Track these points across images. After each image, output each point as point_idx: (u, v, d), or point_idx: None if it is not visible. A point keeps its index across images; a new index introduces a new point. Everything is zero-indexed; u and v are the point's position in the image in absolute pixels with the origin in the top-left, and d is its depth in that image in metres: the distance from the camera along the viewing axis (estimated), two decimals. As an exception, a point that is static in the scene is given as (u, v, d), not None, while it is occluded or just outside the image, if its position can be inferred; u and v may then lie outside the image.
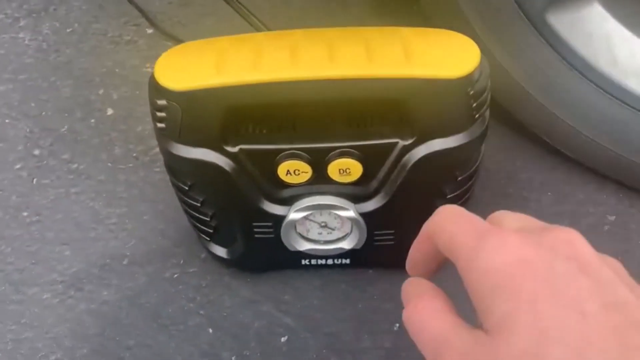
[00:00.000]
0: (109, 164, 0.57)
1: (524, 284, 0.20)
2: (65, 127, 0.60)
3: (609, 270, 0.21)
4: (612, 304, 0.20)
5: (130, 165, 0.57)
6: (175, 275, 0.49)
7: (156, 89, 0.37)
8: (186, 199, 0.43)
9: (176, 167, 0.41)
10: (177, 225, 0.52)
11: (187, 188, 0.41)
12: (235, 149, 0.38)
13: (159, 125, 0.38)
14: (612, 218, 0.51)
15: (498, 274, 0.21)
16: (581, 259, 0.21)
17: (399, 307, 0.47)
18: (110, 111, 0.62)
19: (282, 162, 0.38)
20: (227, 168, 0.39)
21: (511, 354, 0.20)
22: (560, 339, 0.19)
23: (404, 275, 0.48)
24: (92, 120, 0.61)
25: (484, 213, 0.55)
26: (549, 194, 0.53)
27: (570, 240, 0.22)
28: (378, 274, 0.48)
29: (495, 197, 0.53)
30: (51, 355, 0.44)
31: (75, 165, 0.57)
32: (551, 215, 0.51)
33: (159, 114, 0.38)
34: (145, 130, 0.60)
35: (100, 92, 0.64)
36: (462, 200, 0.43)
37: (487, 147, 0.42)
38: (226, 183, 0.40)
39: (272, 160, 0.39)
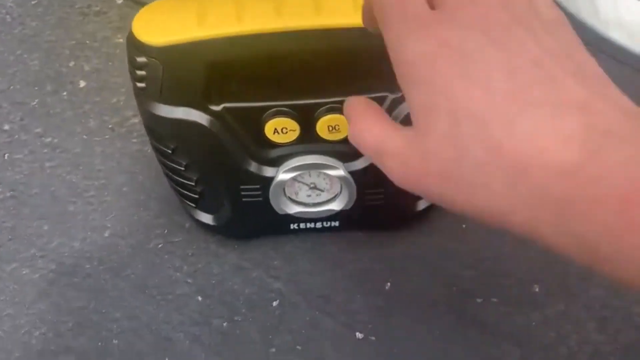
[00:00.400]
0: (84, 137, 0.55)
1: (438, 72, 0.21)
2: (36, 100, 0.58)
3: (522, 32, 0.21)
4: (520, 67, 0.20)
5: (107, 137, 0.55)
6: (160, 246, 0.47)
7: (135, 46, 0.35)
8: (169, 163, 0.41)
9: (158, 130, 0.40)
10: (158, 195, 0.51)
11: (169, 152, 0.40)
12: (219, 108, 0.37)
13: (139, 85, 0.37)
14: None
15: (416, 66, 0.22)
16: (492, 30, 0.21)
17: (391, 267, 0.47)
18: (82, 83, 0.59)
19: (269, 120, 0.37)
20: (211, 128, 0.37)
21: (433, 143, 0.21)
22: (470, 115, 0.20)
23: (394, 236, 0.48)
24: (64, 93, 0.59)
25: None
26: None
27: (485, 12, 0.22)
28: (367, 236, 0.48)
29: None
30: (34, 330, 0.43)
31: (49, 139, 0.55)
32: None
33: (138, 72, 0.36)
34: (120, 101, 0.58)
35: (71, 64, 0.61)
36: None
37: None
38: (211, 144, 0.38)
39: (258, 118, 0.37)
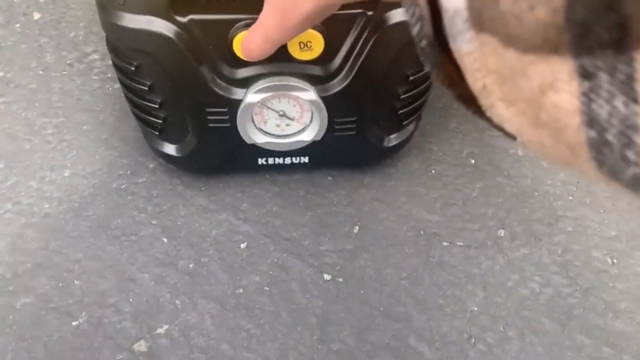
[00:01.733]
0: (41, 72, 0.52)
1: None
2: (-14, 32, 0.54)
3: None
4: None
5: (65, 72, 0.52)
6: (123, 186, 0.46)
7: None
8: (132, 83, 0.39)
9: (120, 44, 0.37)
10: (121, 135, 0.49)
11: (132, 69, 0.38)
12: (185, 19, 0.35)
13: None
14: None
15: None
16: None
17: (359, 211, 0.47)
18: (37, 15, 0.56)
19: (238, 33, 0.36)
20: (177, 40, 0.35)
21: None
22: None
23: (363, 181, 0.48)
24: (17, 25, 0.55)
25: (440, 116, 0.54)
26: (504, 98, 0.53)
27: None
28: (337, 180, 0.47)
29: (451, 101, 0.52)
30: (-9, 271, 0.41)
31: (1, 74, 0.51)
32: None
33: (102, -22, 0.34)
34: (78, 36, 0.55)
35: (24, -6, 0.57)
36: (423, 87, 0.42)
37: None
38: (176, 59, 0.36)
39: (226, 32, 0.36)
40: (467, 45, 0.16)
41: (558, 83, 0.14)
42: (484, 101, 0.17)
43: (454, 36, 0.16)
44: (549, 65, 0.14)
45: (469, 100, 0.18)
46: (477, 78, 0.16)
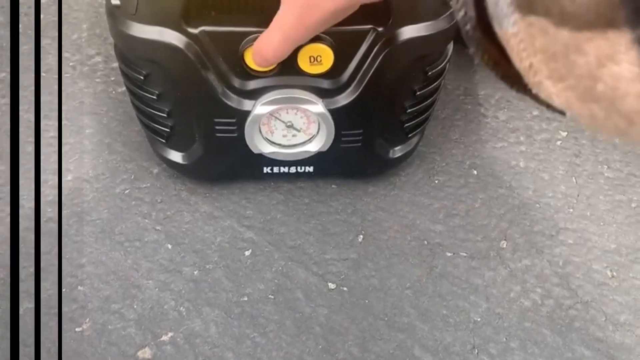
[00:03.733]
0: (43, 74, 0.51)
1: None
2: (-13, 32, 0.54)
3: None
4: None
5: (67, 75, 0.52)
6: (127, 191, 0.46)
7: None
8: (140, 92, 0.39)
9: (130, 53, 0.37)
10: (124, 139, 0.48)
11: (141, 78, 0.38)
12: (197, 31, 0.35)
13: (114, 2, 0.34)
14: (564, 134, 0.52)
15: None
16: None
17: (363, 220, 0.47)
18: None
19: (249, 45, 0.36)
20: (187, 51, 0.35)
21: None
22: None
23: (367, 190, 0.48)
24: (20, 26, 0.54)
25: (444, 127, 0.55)
26: (505, 110, 0.53)
27: None
28: (341, 189, 0.48)
29: (454, 112, 0.53)
30: (-8, 275, 0.41)
31: (3, 75, 0.51)
32: (508, 130, 0.52)
33: (114, -13, 0.34)
34: (81, 38, 0.54)
35: (26, -6, 0.57)
36: (429, 101, 0.42)
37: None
38: (186, 70, 0.36)
39: (237, 44, 0.36)
40: (512, 28, 0.16)
41: (618, 55, 0.14)
42: (530, 80, 0.17)
43: (499, 19, 0.17)
44: (606, 39, 0.14)
45: (513, 79, 0.18)
46: (523, 58, 0.17)
